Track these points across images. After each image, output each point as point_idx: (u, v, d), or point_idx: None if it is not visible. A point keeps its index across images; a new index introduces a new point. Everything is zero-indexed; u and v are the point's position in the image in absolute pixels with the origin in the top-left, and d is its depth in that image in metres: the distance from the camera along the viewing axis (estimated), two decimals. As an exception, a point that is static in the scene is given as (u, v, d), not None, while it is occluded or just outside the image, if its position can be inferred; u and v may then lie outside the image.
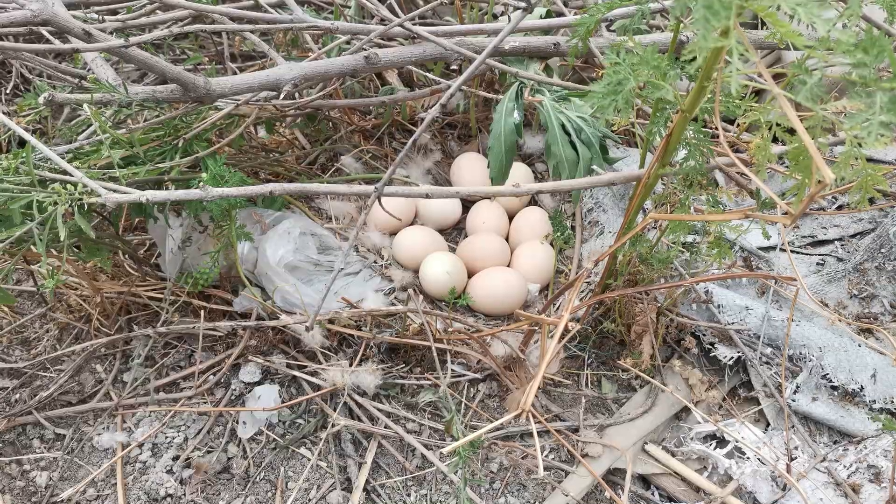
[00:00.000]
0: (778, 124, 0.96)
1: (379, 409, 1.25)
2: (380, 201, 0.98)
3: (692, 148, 1.00)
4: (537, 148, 1.74)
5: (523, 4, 1.03)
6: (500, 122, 1.23)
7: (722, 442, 1.27)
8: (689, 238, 1.30)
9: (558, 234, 1.15)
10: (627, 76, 0.83)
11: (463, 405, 1.29)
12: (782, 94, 0.63)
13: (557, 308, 1.40)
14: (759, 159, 0.87)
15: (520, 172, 1.65)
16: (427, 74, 1.47)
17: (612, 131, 1.27)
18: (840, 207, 1.63)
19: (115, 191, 0.95)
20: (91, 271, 1.35)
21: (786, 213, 0.79)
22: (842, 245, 1.55)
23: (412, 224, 1.60)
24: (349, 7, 1.57)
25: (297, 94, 1.46)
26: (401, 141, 1.76)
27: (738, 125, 1.17)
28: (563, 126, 1.20)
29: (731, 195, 1.43)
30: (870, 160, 1.56)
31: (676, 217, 0.98)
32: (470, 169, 1.65)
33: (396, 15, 1.41)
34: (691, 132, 1.02)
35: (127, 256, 1.37)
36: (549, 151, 1.21)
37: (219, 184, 1.14)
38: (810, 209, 1.59)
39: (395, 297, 1.42)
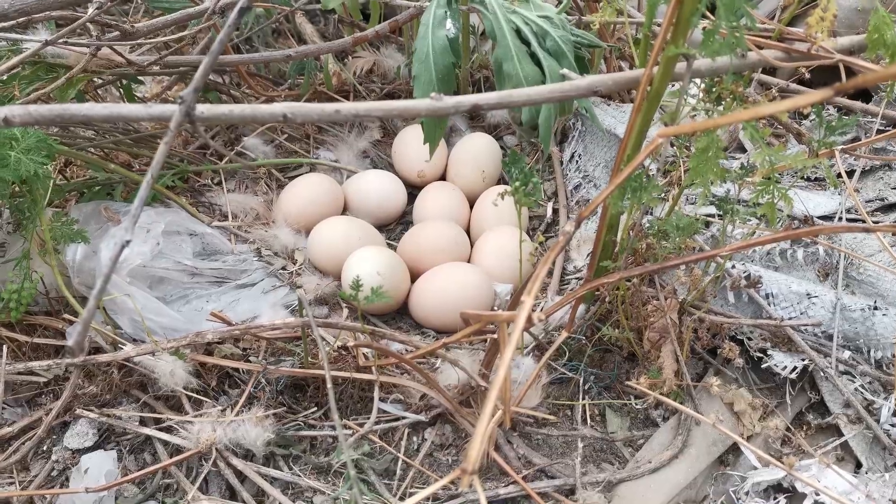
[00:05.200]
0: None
1: (272, 479, 0.83)
2: (192, 121, 0.57)
3: (723, 8, 0.59)
4: (504, 117, 1.34)
5: None
6: (427, 37, 0.83)
7: (794, 495, 0.85)
8: (715, 195, 0.88)
9: (518, 183, 0.73)
10: None
11: (400, 462, 0.86)
12: None
13: (540, 309, 0.98)
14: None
15: (482, 144, 1.25)
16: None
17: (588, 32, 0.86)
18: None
19: None
20: None
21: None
22: (923, 207, 1.13)
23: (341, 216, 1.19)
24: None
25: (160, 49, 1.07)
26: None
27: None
28: (518, 32, 0.80)
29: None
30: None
31: (701, 125, 0.57)
32: (419, 147, 1.25)
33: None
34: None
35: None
36: (501, 72, 0.81)
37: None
38: (875, 162, 1.17)
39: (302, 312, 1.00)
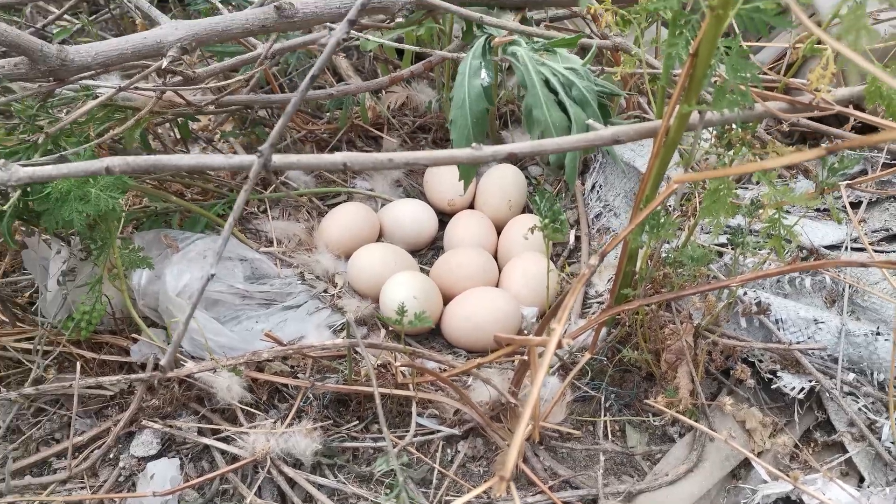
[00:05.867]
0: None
1: (319, 485, 0.91)
2: (267, 170, 0.65)
3: (731, 69, 0.67)
4: (529, 148, 1.42)
5: None
6: (464, 86, 0.92)
7: (801, 507, 0.91)
8: (729, 225, 0.96)
9: (547, 220, 0.81)
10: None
11: (436, 472, 0.94)
12: None
13: (565, 333, 1.05)
14: (853, 36, 0.54)
15: (509, 174, 1.33)
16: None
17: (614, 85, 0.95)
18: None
19: None
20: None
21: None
22: (926, 238, 1.20)
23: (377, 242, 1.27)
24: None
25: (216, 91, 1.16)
26: (363, 149, 1.45)
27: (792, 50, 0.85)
28: (546, 82, 0.89)
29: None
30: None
31: (713, 174, 0.65)
32: (449, 177, 1.34)
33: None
34: (726, 51, 0.69)
35: (-8, 298, 1.05)
36: (531, 118, 0.89)
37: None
38: (879, 195, 1.24)
39: (347, 334, 1.08)
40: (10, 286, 1.14)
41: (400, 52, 1.51)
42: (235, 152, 1.40)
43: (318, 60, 0.65)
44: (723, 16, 0.64)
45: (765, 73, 0.95)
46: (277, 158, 0.67)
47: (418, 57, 1.34)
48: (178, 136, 1.32)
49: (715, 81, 0.76)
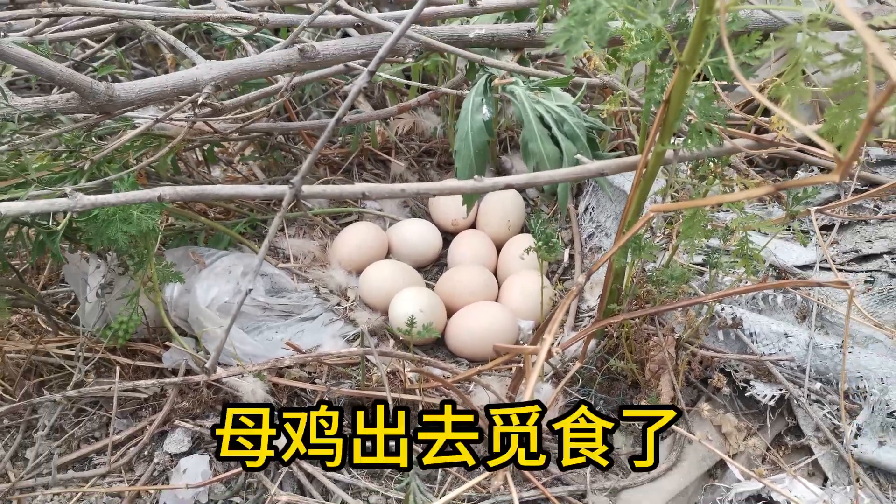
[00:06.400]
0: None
1: (334, 480, 1.00)
2: (298, 200, 0.76)
3: (700, 112, 0.78)
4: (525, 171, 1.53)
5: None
6: (467, 120, 1.02)
7: (770, 503, 1.01)
8: (709, 245, 1.06)
9: (541, 243, 0.92)
10: (600, 1, 0.62)
11: (440, 471, 1.03)
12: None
13: (557, 344, 1.15)
14: (790, 96, 0.64)
15: (508, 196, 1.43)
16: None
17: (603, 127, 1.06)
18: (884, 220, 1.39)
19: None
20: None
21: (833, 168, 0.56)
22: (892, 259, 1.30)
23: (385, 259, 1.37)
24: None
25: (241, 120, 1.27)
26: (372, 172, 1.55)
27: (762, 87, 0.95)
28: (541, 118, 0.99)
29: (751, 187, 1.19)
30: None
31: (682, 205, 0.75)
32: (453, 199, 1.44)
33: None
34: (696, 98, 0.79)
35: (35, 308, 1.15)
36: (527, 150, 0.99)
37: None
38: (850, 220, 1.35)
39: (361, 344, 1.18)
40: (49, 297, 1.24)
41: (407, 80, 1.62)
42: (254, 174, 1.51)
43: (342, 105, 0.76)
44: (689, 70, 0.74)
45: (734, 112, 1.05)
46: (306, 189, 0.78)
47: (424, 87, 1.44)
48: (201, 159, 1.42)
49: (689, 120, 0.86)
